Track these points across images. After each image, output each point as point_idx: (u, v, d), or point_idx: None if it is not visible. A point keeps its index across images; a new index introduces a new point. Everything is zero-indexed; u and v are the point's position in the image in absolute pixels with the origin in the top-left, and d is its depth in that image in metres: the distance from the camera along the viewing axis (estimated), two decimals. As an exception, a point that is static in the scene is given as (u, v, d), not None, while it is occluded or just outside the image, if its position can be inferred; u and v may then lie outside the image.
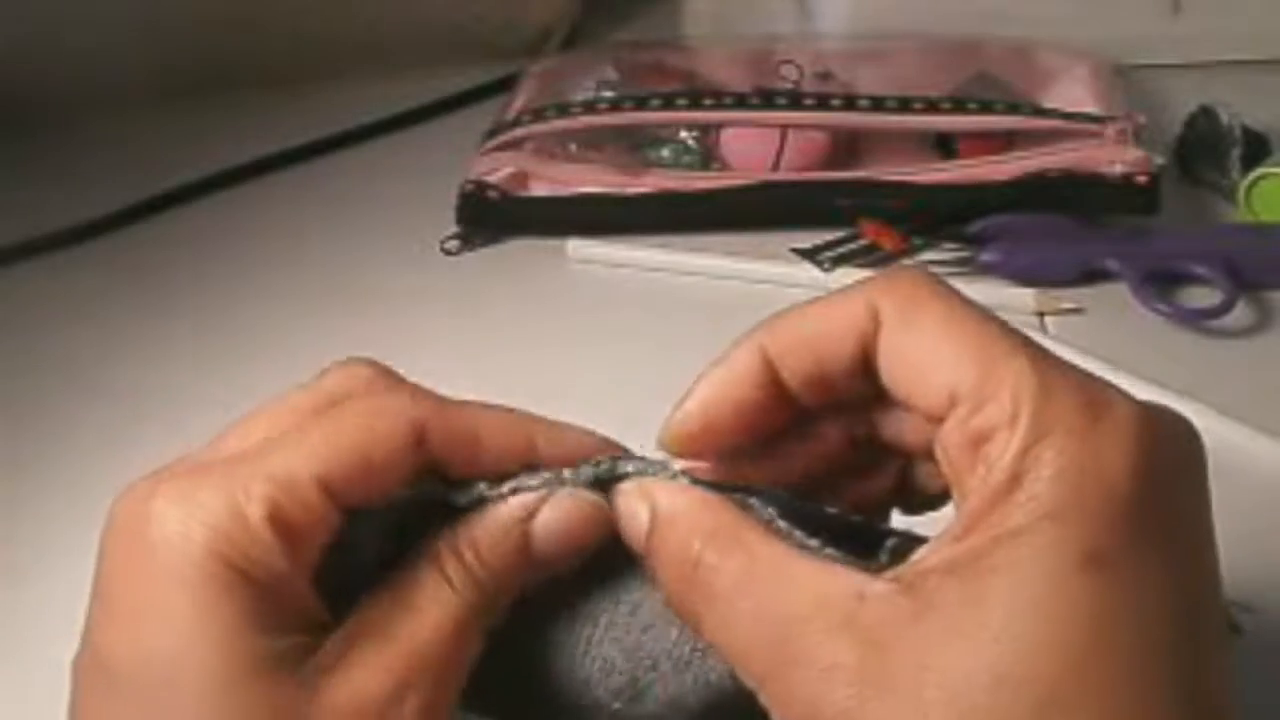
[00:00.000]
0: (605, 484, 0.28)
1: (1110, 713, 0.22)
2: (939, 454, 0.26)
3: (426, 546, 0.27)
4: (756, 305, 0.58)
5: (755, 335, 0.28)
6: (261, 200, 0.69)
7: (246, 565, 0.24)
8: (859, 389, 0.27)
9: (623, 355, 0.53)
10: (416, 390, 0.28)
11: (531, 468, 0.28)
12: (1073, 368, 0.25)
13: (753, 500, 0.26)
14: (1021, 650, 0.22)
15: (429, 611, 0.26)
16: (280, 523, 0.25)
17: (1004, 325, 0.25)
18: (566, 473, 0.28)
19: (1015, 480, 0.23)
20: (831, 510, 0.27)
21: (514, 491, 0.27)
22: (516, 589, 0.28)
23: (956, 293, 0.26)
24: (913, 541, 0.25)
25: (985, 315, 0.25)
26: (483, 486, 0.28)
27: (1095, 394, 0.24)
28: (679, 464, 0.28)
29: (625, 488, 0.28)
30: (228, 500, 0.25)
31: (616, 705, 0.28)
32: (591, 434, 0.29)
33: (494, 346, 0.55)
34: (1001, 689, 0.22)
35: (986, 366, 0.24)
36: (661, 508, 0.27)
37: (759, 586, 0.25)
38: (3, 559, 0.46)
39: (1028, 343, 0.25)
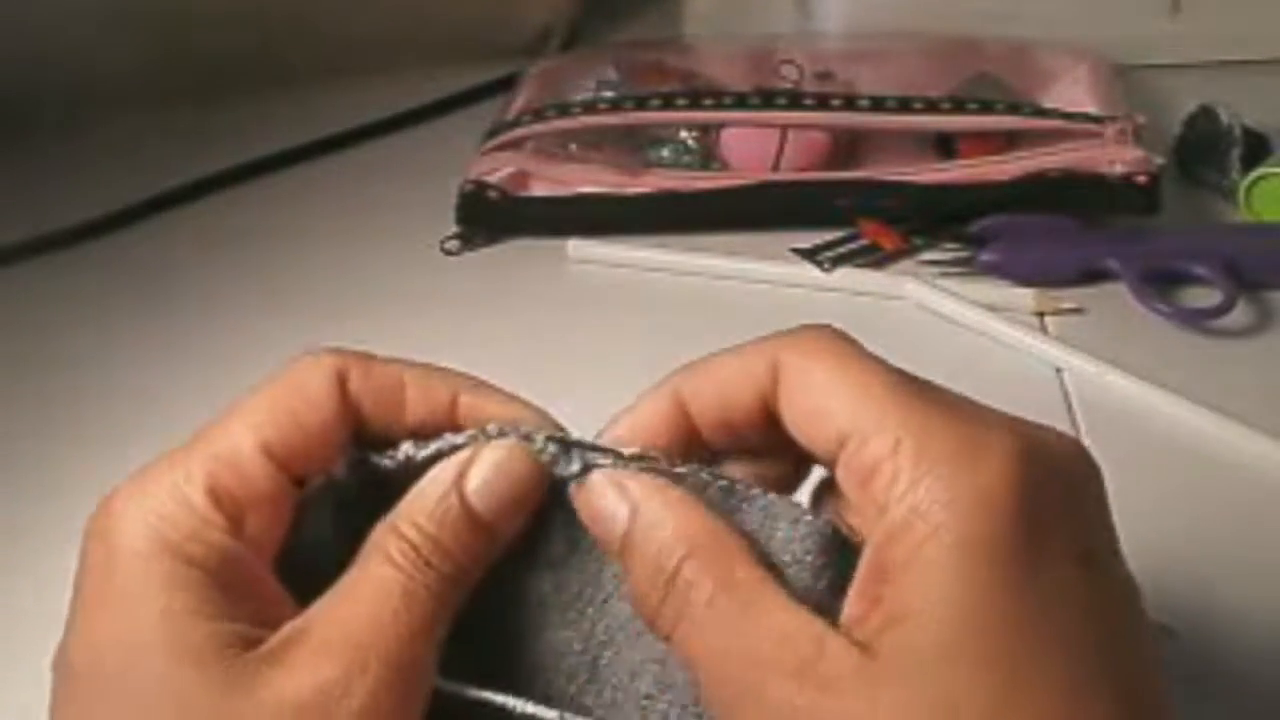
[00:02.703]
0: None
1: (1051, 716, 0.23)
2: (845, 492, 0.26)
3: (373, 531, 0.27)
4: (756, 305, 0.59)
5: (671, 379, 0.28)
6: (261, 200, 0.69)
7: (191, 548, 0.25)
8: (769, 437, 0.28)
9: (623, 355, 0.53)
10: (344, 348, 0.28)
11: (456, 429, 0.28)
12: (957, 406, 0.25)
13: (730, 484, 0.27)
14: (958, 682, 0.23)
15: (371, 595, 0.26)
16: (220, 496, 0.25)
17: (896, 373, 0.26)
18: (491, 427, 0.27)
19: (914, 512, 0.24)
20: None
21: (440, 454, 0.27)
22: (477, 557, 0.27)
23: (855, 346, 0.27)
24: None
25: (878, 365, 0.26)
26: (408, 446, 0.27)
27: (975, 428, 0.25)
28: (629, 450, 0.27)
29: (596, 479, 0.27)
30: (171, 487, 0.25)
31: (572, 689, 0.28)
32: (515, 396, 0.29)
33: (494, 346, 0.55)
34: None
35: (870, 407, 0.25)
36: (643, 510, 0.26)
37: (730, 615, 0.25)
38: (2, 559, 0.46)
39: (916, 386, 0.26)
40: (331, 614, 0.26)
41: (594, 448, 0.27)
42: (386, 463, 0.27)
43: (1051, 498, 0.24)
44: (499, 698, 0.27)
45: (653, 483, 0.27)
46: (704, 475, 0.27)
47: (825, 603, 0.25)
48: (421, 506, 0.27)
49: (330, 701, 0.24)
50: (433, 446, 0.27)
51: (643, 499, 0.26)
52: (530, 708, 0.27)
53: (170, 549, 0.25)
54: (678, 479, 0.27)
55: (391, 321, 0.56)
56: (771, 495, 0.27)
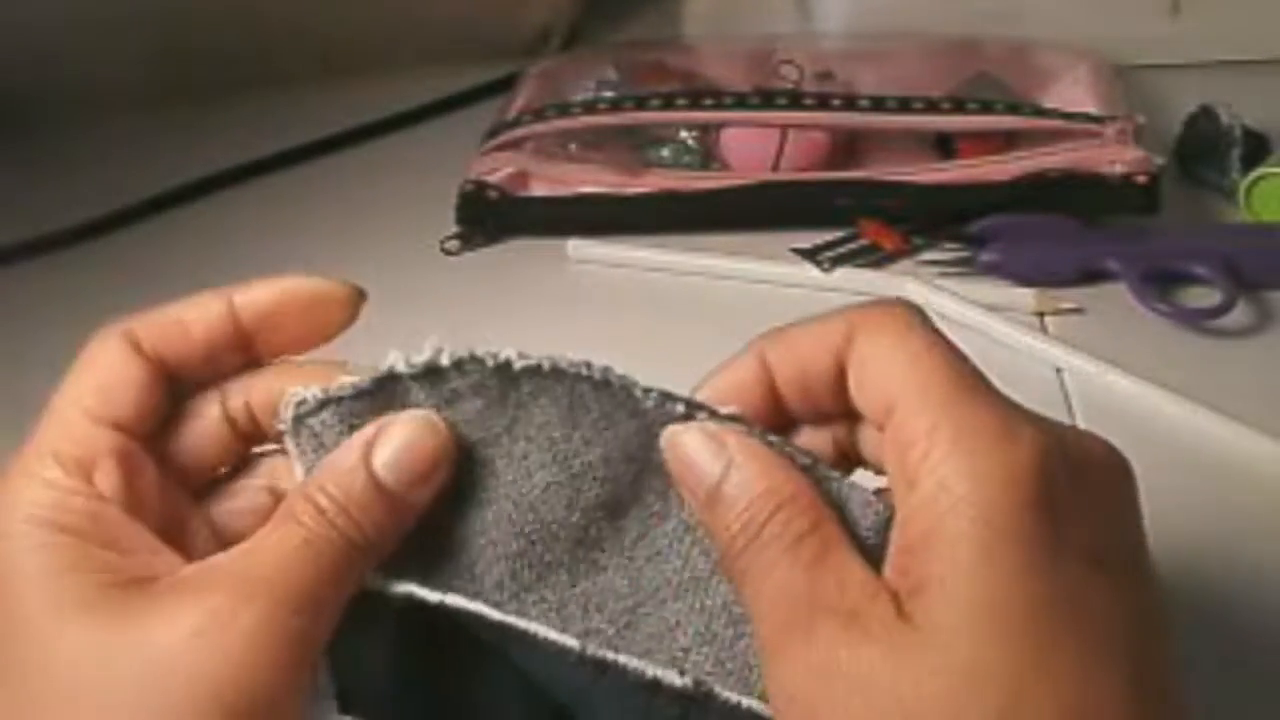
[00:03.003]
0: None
1: (1065, 696, 0.23)
2: (885, 463, 0.27)
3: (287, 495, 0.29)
4: (756, 305, 0.59)
5: (757, 342, 0.30)
6: (261, 200, 0.69)
7: (59, 516, 0.27)
8: (841, 405, 0.29)
9: (623, 355, 0.53)
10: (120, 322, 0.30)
11: (241, 331, 0.30)
12: (998, 399, 0.26)
13: (812, 460, 0.28)
14: (978, 652, 0.23)
15: (271, 544, 0.27)
16: (66, 464, 0.28)
17: (952, 357, 0.27)
18: (400, 366, 0.29)
19: (940, 486, 0.25)
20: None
21: (417, 370, 0.29)
22: (384, 526, 0.28)
23: (923, 321, 0.28)
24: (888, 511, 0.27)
25: (937, 345, 0.27)
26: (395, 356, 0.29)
27: (1010, 419, 0.26)
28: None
29: (695, 430, 0.28)
30: (26, 474, 0.28)
31: (610, 630, 0.29)
32: (281, 280, 0.32)
33: (494, 346, 0.55)
34: (967, 695, 0.23)
35: (918, 385, 0.26)
36: (739, 463, 0.27)
37: (805, 558, 0.26)
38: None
39: (966, 373, 0.27)
40: (228, 557, 0.27)
41: (700, 405, 0.28)
42: (415, 361, 0.29)
43: (1073, 496, 0.25)
44: (522, 624, 0.28)
45: (749, 440, 0.28)
46: (789, 448, 0.28)
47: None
48: (330, 474, 0.28)
49: (217, 627, 0.25)
50: (465, 351, 0.30)
51: (739, 454, 0.27)
52: (554, 635, 0.28)
53: (39, 523, 0.27)
54: (770, 445, 0.28)
55: (391, 321, 0.56)
56: (848, 479, 0.28)
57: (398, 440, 0.28)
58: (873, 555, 0.26)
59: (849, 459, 0.30)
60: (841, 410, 0.29)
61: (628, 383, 0.29)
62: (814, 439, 0.30)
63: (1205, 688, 0.29)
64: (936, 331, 0.28)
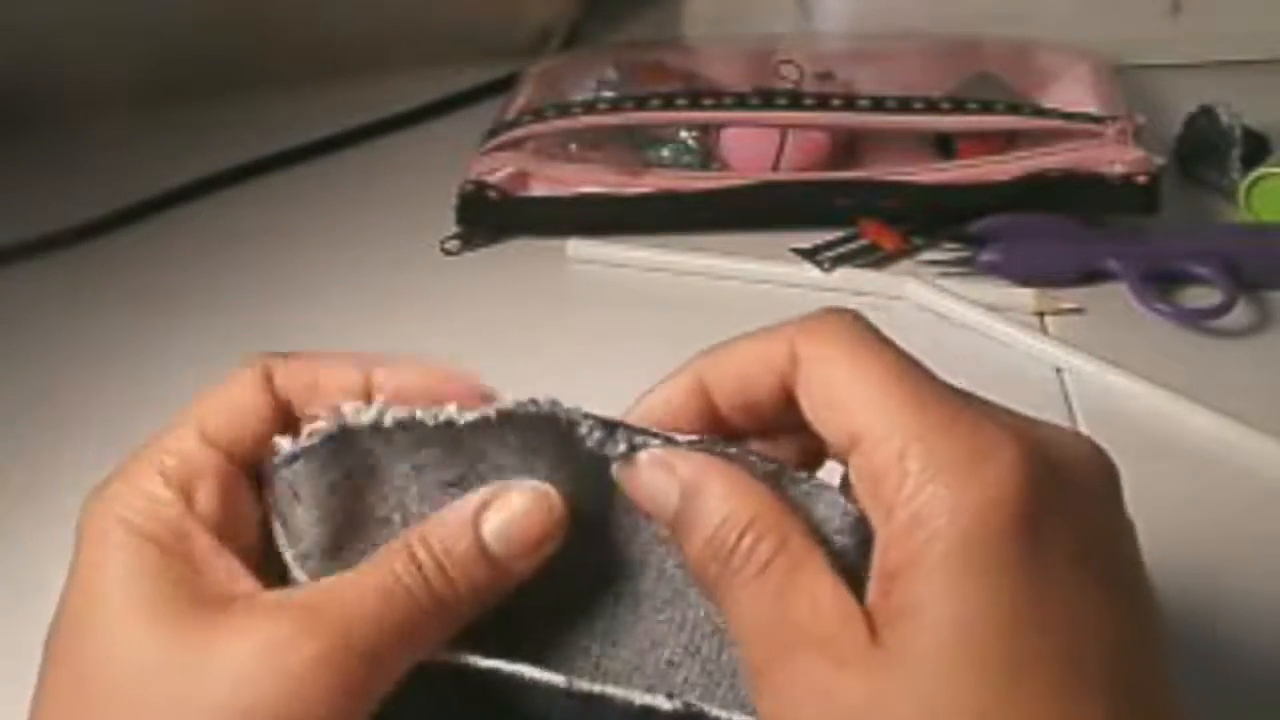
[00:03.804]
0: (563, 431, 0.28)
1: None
2: (857, 493, 0.27)
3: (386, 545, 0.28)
4: (756, 305, 0.59)
5: (692, 364, 0.29)
6: (261, 200, 0.69)
7: (146, 525, 0.27)
8: (791, 419, 0.28)
9: (623, 355, 0.53)
10: (270, 353, 0.31)
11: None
12: (966, 409, 0.25)
13: (778, 466, 0.27)
14: (949, 683, 0.23)
15: (350, 584, 0.27)
16: (168, 477, 0.28)
17: (909, 370, 0.26)
18: (515, 401, 0.28)
19: (915, 519, 0.24)
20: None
21: (413, 419, 0.28)
22: (480, 591, 0.28)
23: (871, 336, 0.27)
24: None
25: (891, 359, 0.26)
26: (381, 406, 0.28)
27: (982, 435, 0.25)
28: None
29: (645, 459, 0.27)
30: (126, 478, 0.28)
31: (595, 650, 0.29)
32: (437, 368, 0.30)
33: (494, 346, 0.55)
34: None
35: (881, 410, 0.26)
36: (699, 486, 0.27)
37: (778, 581, 0.25)
38: (2, 558, 0.46)
39: (927, 386, 0.26)
40: (307, 589, 0.27)
41: (642, 431, 0.28)
42: (360, 419, 0.28)
43: (1056, 503, 0.25)
44: (509, 667, 0.28)
45: (707, 459, 0.27)
46: (752, 457, 0.27)
47: (854, 585, 0.26)
48: (436, 529, 0.28)
49: (278, 654, 0.25)
50: (406, 412, 0.28)
51: (698, 476, 0.27)
52: (538, 674, 0.28)
53: (127, 527, 0.27)
54: (730, 459, 0.27)
55: (391, 321, 0.56)
56: (814, 479, 0.27)
57: (513, 508, 0.28)
58: (848, 559, 0.26)
59: (807, 463, 0.29)
60: (790, 427, 0.28)
61: (574, 418, 0.28)
62: (765, 450, 0.29)
63: (1204, 689, 0.29)
64: (883, 340, 0.27)
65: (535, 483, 0.28)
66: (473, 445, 0.28)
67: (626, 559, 0.29)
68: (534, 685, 0.28)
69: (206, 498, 0.28)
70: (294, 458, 0.28)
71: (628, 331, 0.55)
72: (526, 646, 0.29)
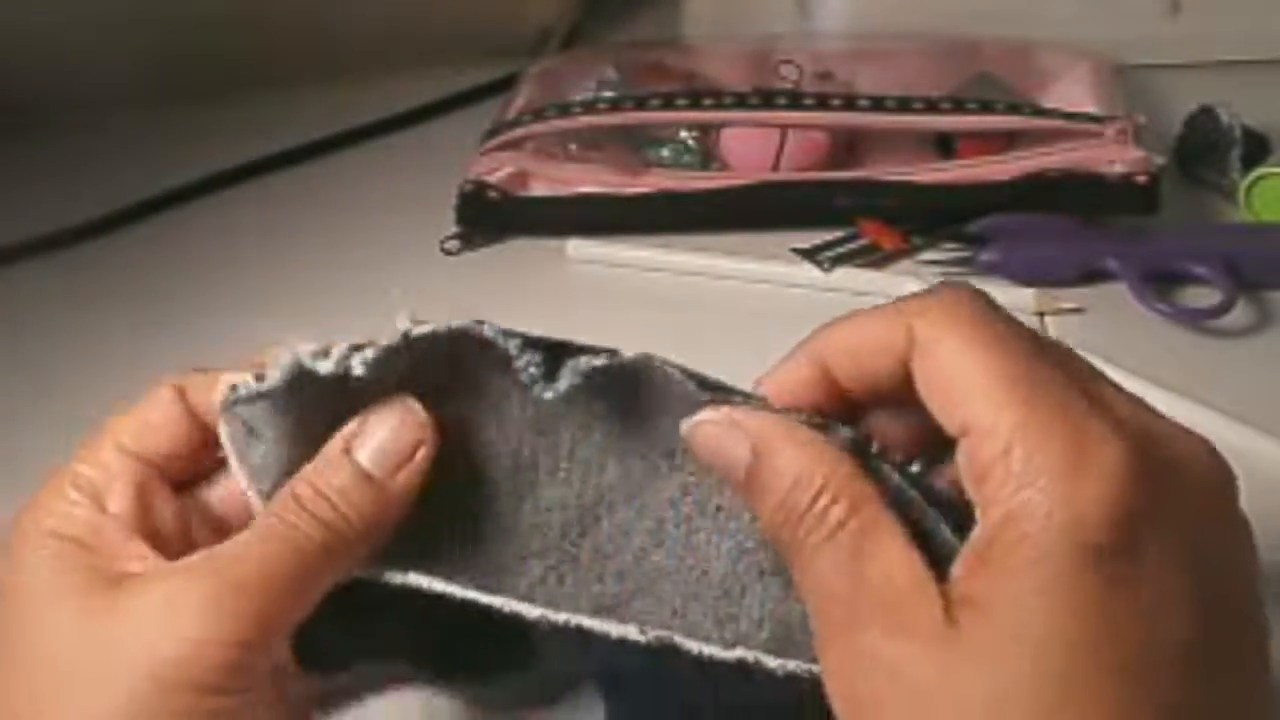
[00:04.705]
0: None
1: None
2: (962, 477, 0.27)
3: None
4: (756, 305, 0.58)
5: (810, 343, 0.29)
6: (261, 200, 0.69)
7: (62, 525, 0.30)
8: (914, 394, 0.28)
9: (623, 355, 0.53)
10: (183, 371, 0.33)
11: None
12: (1074, 405, 0.25)
13: (863, 439, 0.27)
14: (1006, 689, 0.23)
15: (242, 536, 0.29)
16: (81, 484, 0.31)
17: (1022, 356, 0.26)
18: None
19: (1009, 519, 0.24)
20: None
21: (381, 357, 0.29)
22: (377, 513, 0.29)
23: (987, 317, 0.27)
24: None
25: (1005, 345, 0.26)
26: (342, 349, 0.30)
27: (1086, 437, 0.25)
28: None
29: (714, 417, 0.28)
30: (47, 489, 0.31)
31: (565, 543, 0.29)
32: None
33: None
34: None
35: (989, 402, 0.25)
36: (773, 448, 0.27)
37: (847, 549, 0.26)
38: (2, 558, 0.46)
39: (1039, 376, 0.26)
40: (200, 552, 0.29)
41: (733, 390, 0.28)
42: (320, 366, 0.29)
43: (1157, 511, 0.25)
44: (484, 598, 0.29)
45: (781, 422, 0.27)
46: (842, 430, 0.28)
47: (937, 564, 0.26)
48: (315, 469, 0.30)
49: (169, 607, 0.27)
50: (370, 349, 0.30)
51: (765, 438, 0.27)
52: (514, 605, 0.29)
53: (46, 530, 0.30)
54: (817, 428, 0.27)
55: (391, 321, 0.56)
56: (901, 457, 0.28)
57: (379, 428, 0.30)
58: (935, 539, 0.26)
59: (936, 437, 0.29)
60: (917, 400, 0.28)
61: (669, 369, 0.28)
62: (889, 426, 0.30)
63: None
64: (996, 318, 0.27)
65: (393, 398, 0.30)
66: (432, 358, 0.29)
67: (591, 451, 0.30)
68: (603, 636, 0.29)
69: (119, 498, 0.31)
70: (256, 397, 0.29)
71: (628, 331, 0.55)
72: (501, 541, 0.30)
